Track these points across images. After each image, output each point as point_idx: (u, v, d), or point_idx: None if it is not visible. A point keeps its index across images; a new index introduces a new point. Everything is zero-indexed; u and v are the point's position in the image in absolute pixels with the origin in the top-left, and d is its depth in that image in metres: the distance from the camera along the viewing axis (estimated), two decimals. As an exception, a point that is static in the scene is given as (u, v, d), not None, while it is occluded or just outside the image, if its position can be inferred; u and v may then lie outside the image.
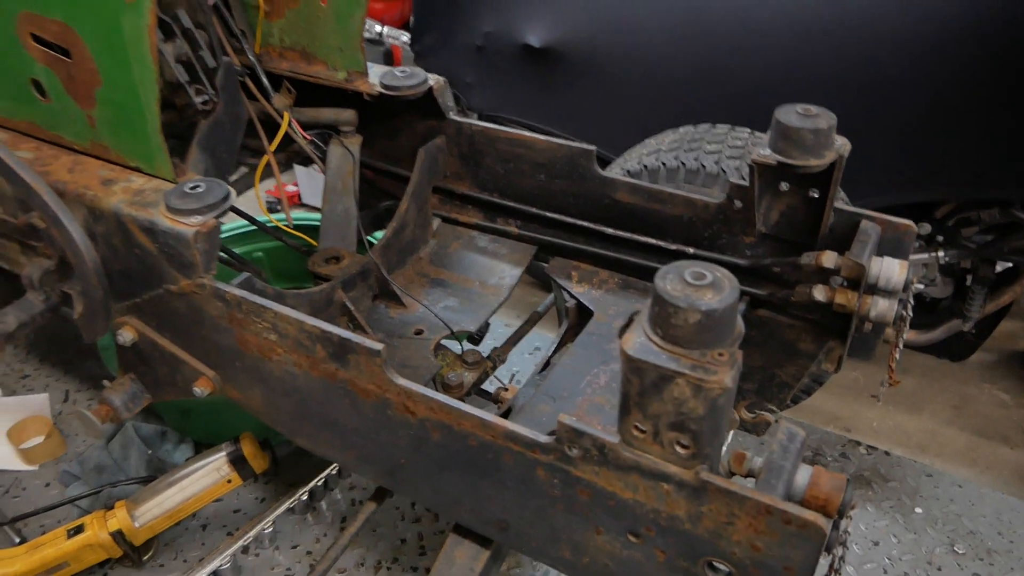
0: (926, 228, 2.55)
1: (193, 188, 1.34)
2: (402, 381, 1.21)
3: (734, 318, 0.95)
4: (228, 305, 1.34)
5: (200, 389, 1.51)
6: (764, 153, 1.41)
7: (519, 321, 2.97)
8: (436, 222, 1.99)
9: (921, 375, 3.01)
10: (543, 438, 1.11)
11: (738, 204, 1.59)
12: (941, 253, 2.54)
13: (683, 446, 0.98)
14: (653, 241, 1.73)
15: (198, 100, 1.51)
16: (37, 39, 1.40)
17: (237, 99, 1.62)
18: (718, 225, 1.65)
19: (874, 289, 1.40)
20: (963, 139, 2.40)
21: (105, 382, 1.70)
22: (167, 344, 1.52)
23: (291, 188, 4.34)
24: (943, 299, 2.79)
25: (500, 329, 3.00)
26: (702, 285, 0.93)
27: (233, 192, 1.36)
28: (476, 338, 2.12)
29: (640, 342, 0.96)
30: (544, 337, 3.00)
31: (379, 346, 1.19)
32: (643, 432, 1.00)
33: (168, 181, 1.42)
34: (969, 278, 2.66)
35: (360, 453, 1.39)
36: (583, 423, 1.06)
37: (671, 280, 0.95)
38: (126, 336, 1.55)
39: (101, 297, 1.37)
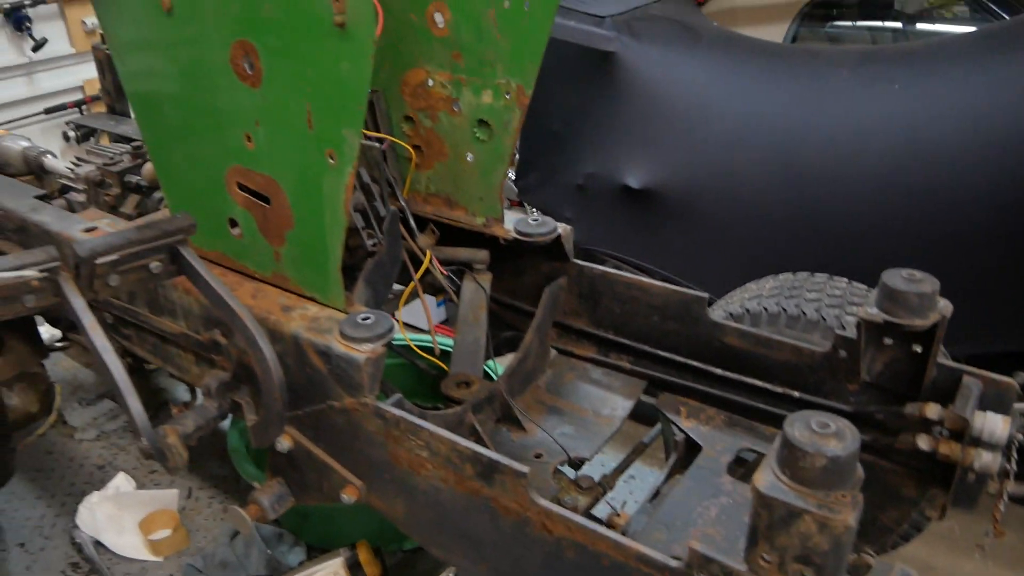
0: (1023, 377, 2.60)
1: (364, 319, 1.55)
2: (543, 502, 1.35)
3: (855, 464, 1.09)
4: (386, 423, 1.53)
5: (347, 496, 1.68)
6: (871, 311, 1.56)
7: (613, 448, 3.07)
8: (552, 353, 2.16)
9: (1022, 528, 2.97)
10: (673, 562, 1.23)
11: (843, 354, 1.73)
12: (1039, 403, 2.58)
13: (807, 578, 1.10)
14: (760, 383, 1.86)
15: (369, 243, 1.74)
16: (242, 187, 1.66)
17: (397, 242, 1.86)
18: (823, 372, 1.78)
19: (977, 442, 1.50)
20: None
21: (255, 483, 1.89)
22: (320, 453, 1.70)
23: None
24: (1042, 450, 2.79)
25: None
26: (827, 433, 1.08)
27: (396, 325, 1.57)
28: (577, 463, 2.25)
29: (770, 480, 1.09)
30: (638, 467, 3.09)
31: (525, 469, 1.35)
32: (769, 562, 1.12)
33: (339, 311, 1.64)
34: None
35: (494, 566, 1.52)
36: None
37: (799, 427, 1.09)
38: (284, 444, 1.74)
39: (279, 409, 1.57)
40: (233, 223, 1.77)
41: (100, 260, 1.47)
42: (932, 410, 1.56)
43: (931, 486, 1.67)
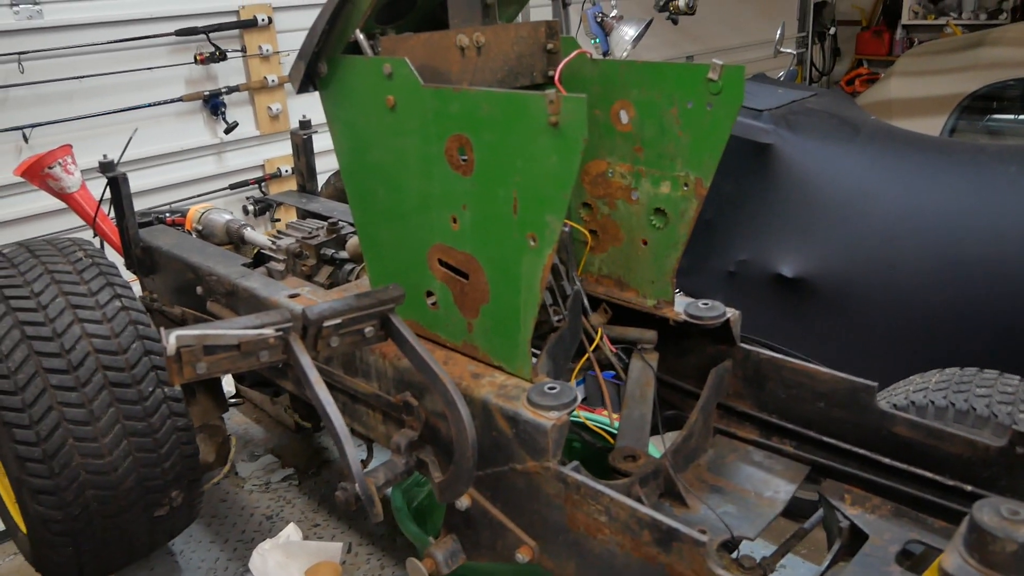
0: None
1: (550, 388, 1.68)
2: (721, 571, 1.42)
3: (1047, 553, 1.11)
4: (567, 487, 1.64)
5: (522, 556, 1.78)
6: (1054, 409, 1.56)
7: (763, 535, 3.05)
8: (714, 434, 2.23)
9: None
10: (853, 640, 1.27)
11: (1020, 450, 1.72)
12: None
13: (997, 664, 1.12)
14: (930, 475, 1.87)
15: (554, 318, 1.89)
16: (443, 263, 1.85)
17: (578, 319, 2.00)
18: (998, 467, 1.77)
19: None
20: None
21: (431, 539, 2.02)
22: (497, 513, 1.83)
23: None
24: None
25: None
26: (1018, 520, 1.11)
27: (580, 395, 1.69)
28: (731, 546, 2.28)
29: (959, 563, 1.13)
30: (789, 557, 3.04)
31: (704, 538, 1.42)
32: (956, 646, 1.15)
33: (525, 380, 1.78)
34: None
35: (664, 631, 1.59)
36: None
37: (988, 512, 1.13)
38: (463, 502, 1.87)
39: (470, 468, 1.70)
40: (429, 294, 1.96)
41: (326, 323, 1.67)
42: (1121, 513, 1.53)
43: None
